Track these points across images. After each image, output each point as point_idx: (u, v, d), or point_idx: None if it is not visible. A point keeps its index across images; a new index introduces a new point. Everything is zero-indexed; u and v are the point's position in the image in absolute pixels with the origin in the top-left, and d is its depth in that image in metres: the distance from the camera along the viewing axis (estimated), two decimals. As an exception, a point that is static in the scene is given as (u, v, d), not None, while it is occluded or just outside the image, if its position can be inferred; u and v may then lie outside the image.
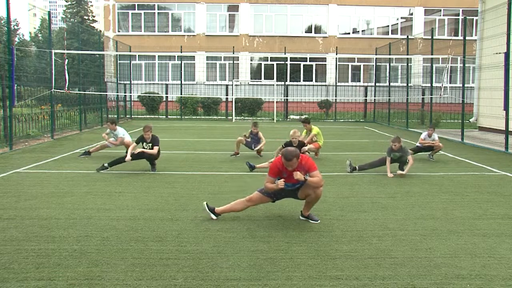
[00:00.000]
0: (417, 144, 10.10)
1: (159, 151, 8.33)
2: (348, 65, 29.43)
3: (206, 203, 5.33)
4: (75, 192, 6.56)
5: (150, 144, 8.30)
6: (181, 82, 24.15)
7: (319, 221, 5.18)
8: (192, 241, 4.49)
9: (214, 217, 5.22)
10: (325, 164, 9.26)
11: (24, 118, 13.31)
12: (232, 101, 23.67)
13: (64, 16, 48.67)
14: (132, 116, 23.66)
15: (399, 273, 3.75)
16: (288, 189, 5.13)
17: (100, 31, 28.99)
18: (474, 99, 16.98)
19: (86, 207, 5.73)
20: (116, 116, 20.93)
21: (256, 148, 10.10)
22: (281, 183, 4.91)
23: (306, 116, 9.70)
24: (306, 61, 29.03)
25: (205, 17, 29.07)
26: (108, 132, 10.00)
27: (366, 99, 24.45)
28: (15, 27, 51.75)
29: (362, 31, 30.00)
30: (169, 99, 24.72)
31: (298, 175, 4.84)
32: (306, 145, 9.37)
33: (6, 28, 12.66)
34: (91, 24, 45.61)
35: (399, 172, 8.06)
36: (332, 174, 8.15)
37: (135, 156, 8.30)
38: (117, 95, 21.85)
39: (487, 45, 14.81)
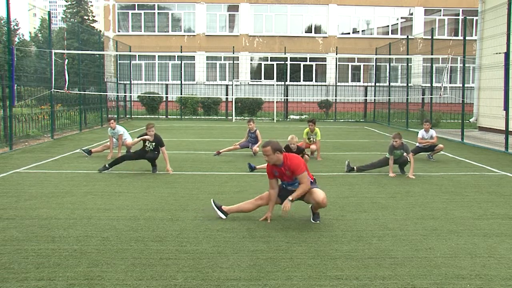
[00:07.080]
0: (417, 144, 10.05)
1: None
2: (348, 65, 29.43)
3: (213, 200, 5.32)
4: (75, 192, 6.56)
5: (153, 144, 8.20)
6: (181, 82, 24.15)
7: (318, 222, 5.17)
8: (192, 241, 4.49)
9: (222, 216, 5.19)
10: (325, 164, 9.26)
11: (24, 118, 13.31)
12: (232, 101, 23.67)
13: (64, 16, 48.67)
14: (132, 116, 23.66)
15: (399, 273, 3.75)
16: (287, 188, 5.11)
17: (100, 31, 28.97)
18: (474, 99, 16.98)
19: (86, 207, 5.73)
20: (116, 116, 20.95)
21: (254, 148, 10.28)
22: (287, 206, 4.91)
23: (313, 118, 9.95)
24: (306, 61, 29.02)
25: (205, 17, 29.07)
26: (110, 134, 9.95)
27: (366, 99, 24.45)
28: (15, 27, 51.71)
29: (362, 31, 29.99)
30: (169, 99, 24.71)
31: (286, 208, 4.90)
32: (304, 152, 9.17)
33: (6, 28, 12.66)
34: (91, 24, 45.60)
35: (409, 175, 7.94)
36: (332, 174, 8.15)
37: (136, 156, 8.29)
38: (117, 95, 21.85)
39: (487, 45, 14.81)
